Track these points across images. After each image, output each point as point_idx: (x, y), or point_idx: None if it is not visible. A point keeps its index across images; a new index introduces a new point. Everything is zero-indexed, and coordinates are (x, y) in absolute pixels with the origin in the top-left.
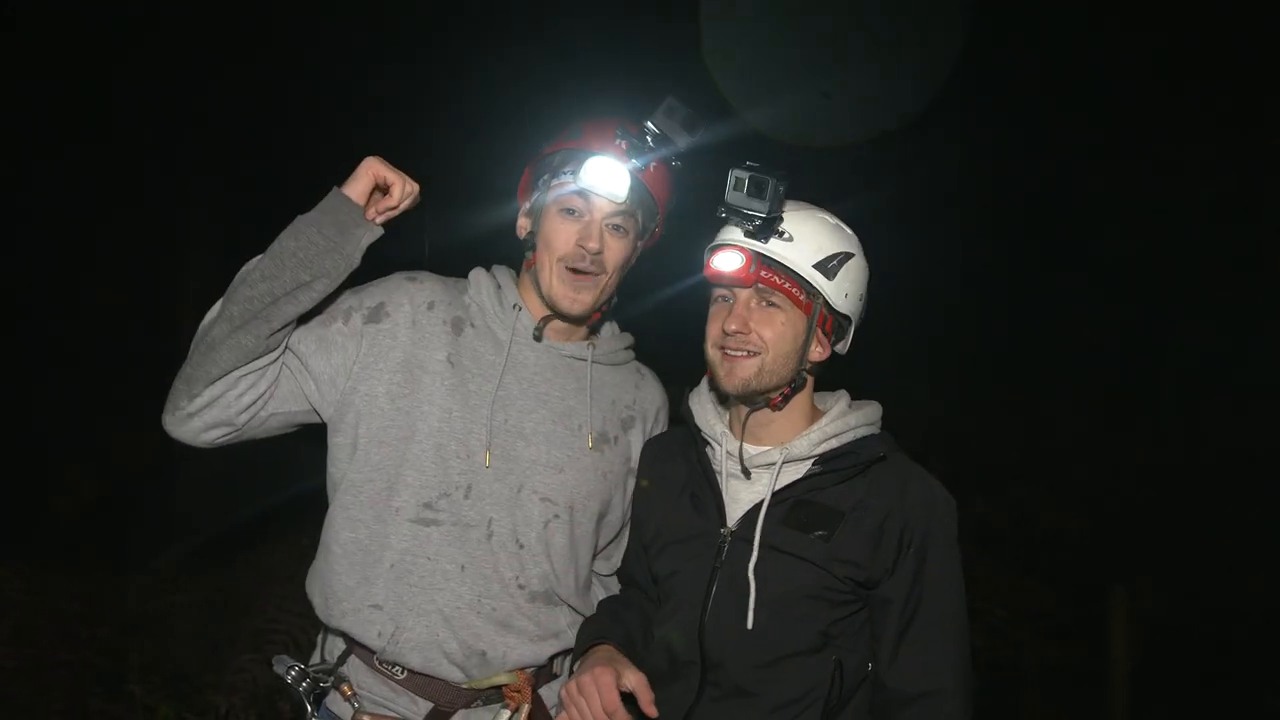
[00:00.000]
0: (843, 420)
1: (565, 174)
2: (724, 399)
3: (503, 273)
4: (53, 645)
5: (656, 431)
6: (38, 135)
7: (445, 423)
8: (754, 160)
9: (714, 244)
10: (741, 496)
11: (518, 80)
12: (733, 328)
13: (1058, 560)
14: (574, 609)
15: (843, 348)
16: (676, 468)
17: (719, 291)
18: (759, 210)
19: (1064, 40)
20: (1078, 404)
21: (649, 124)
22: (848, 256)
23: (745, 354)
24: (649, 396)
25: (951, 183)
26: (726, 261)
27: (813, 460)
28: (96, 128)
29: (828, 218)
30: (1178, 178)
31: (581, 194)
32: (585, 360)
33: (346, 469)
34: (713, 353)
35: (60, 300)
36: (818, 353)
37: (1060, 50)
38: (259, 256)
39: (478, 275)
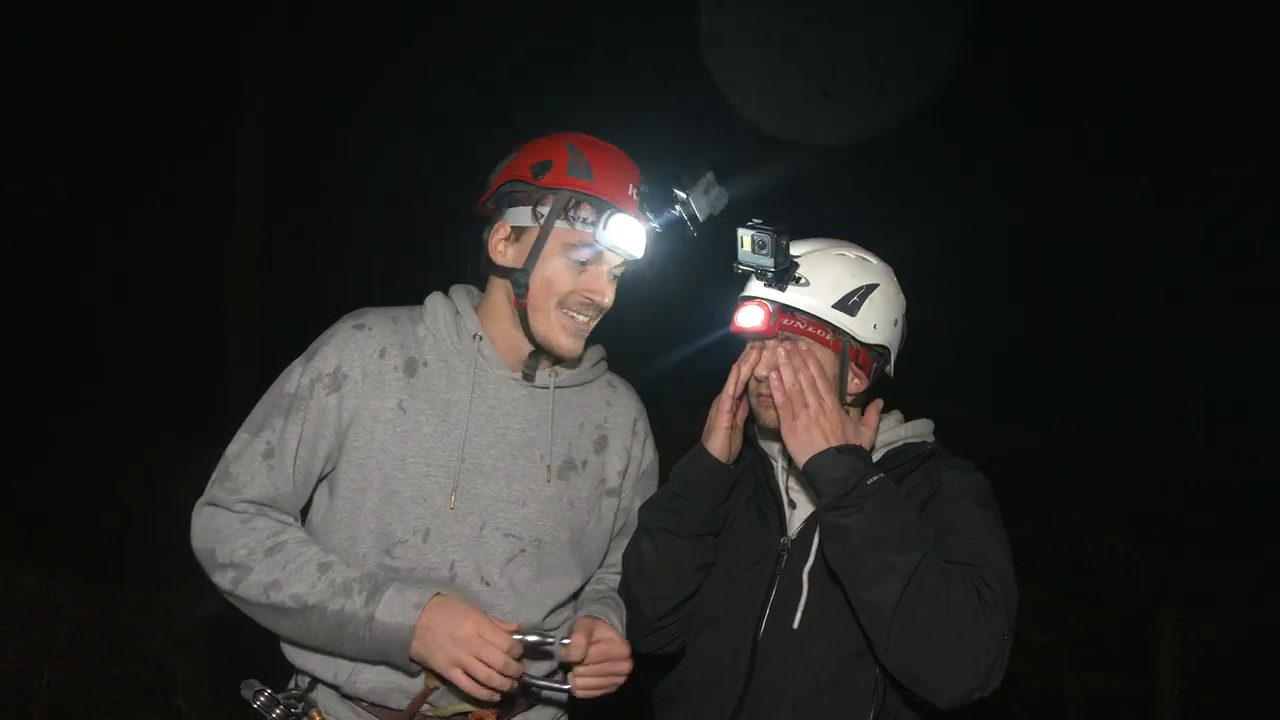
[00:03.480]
0: (893, 432)
1: (584, 224)
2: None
3: (462, 297)
4: (103, 658)
5: (638, 442)
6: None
7: (399, 470)
8: (758, 216)
9: (739, 296)
10: (801, 507)
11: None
12: (762, 374)
13: (1103, 585)
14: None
15: (890, 369)
16: (746, 480)
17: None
18: (767, 266)
19: (1092, 55)
20: (1123, 426)
21: (684, 195)
22: (871, 288)
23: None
24: (622, 410)
25: (991, 203)
26: (748, 317)
27: None
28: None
29: (847, 252)
30: (1222, 194)
31: (598, 250)
32: (548, 388)
33: (320, 520)
34: (750, 400)
35: (109, 316)
36: (855, 384)
37: (1089, 64)
38: (305, 609)
39: (434, 303)
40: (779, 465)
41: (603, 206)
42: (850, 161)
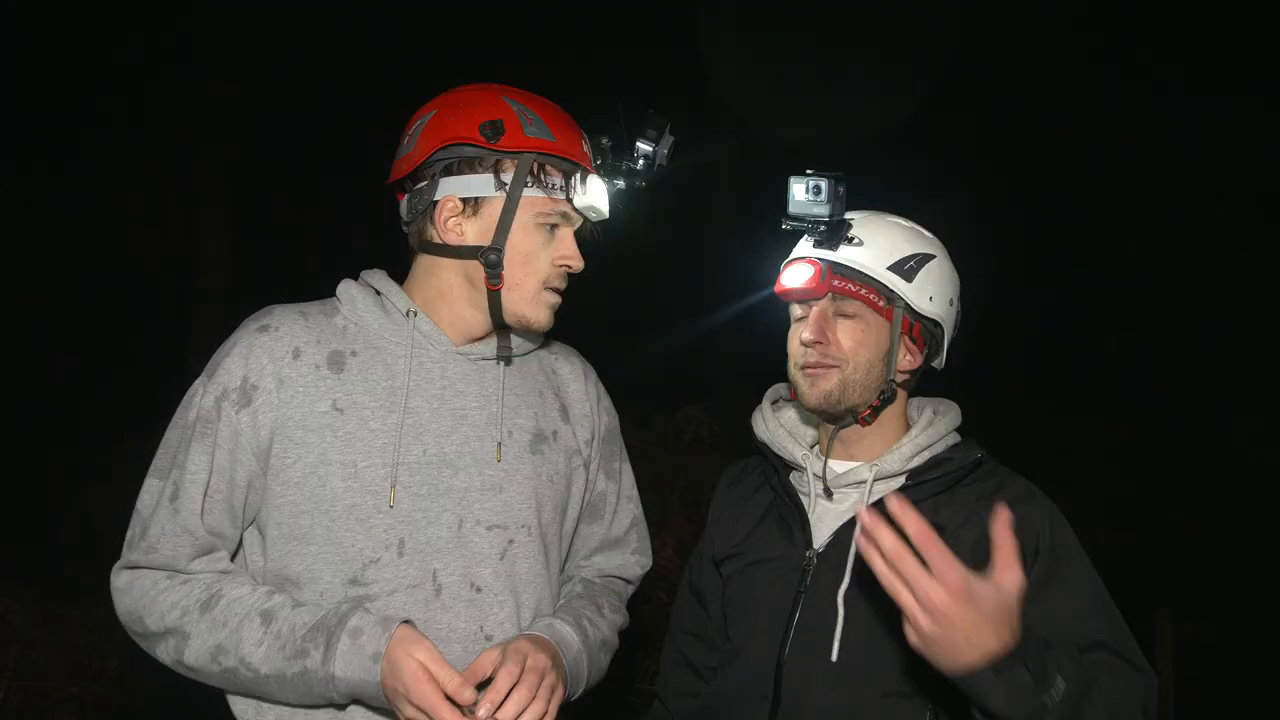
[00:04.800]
0: (933, 429)
1: (555, 190)
2: (808, 417)
3: (379, 278)
4: (60, 678)
5: (595, 404)
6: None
7: (352, 480)
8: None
9: (787, 260)
10: (827, 517)
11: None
12: (809, 337)
13: None
14: None
15: (939, 363)
16: (760, 494)
17: (796, 310)
18: (822, 214)
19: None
20: (1113, 418)
21: (649, 148)
22: (927, 258)
23: (825, 366)
24: (573, 375)
25: (968, 185)
26: (795, 276)
27: (904, 475)
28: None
29: (901, 221)
30: (1208, 185)
31: (568, 214)
32: (500, 359)
33: (261, 561)
34: (794, 372)
35: (63, 316)
36: (908, 361)
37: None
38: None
39: (348, 289)
40: (808, 471)
41: (570, 167)
42: (840, 156)
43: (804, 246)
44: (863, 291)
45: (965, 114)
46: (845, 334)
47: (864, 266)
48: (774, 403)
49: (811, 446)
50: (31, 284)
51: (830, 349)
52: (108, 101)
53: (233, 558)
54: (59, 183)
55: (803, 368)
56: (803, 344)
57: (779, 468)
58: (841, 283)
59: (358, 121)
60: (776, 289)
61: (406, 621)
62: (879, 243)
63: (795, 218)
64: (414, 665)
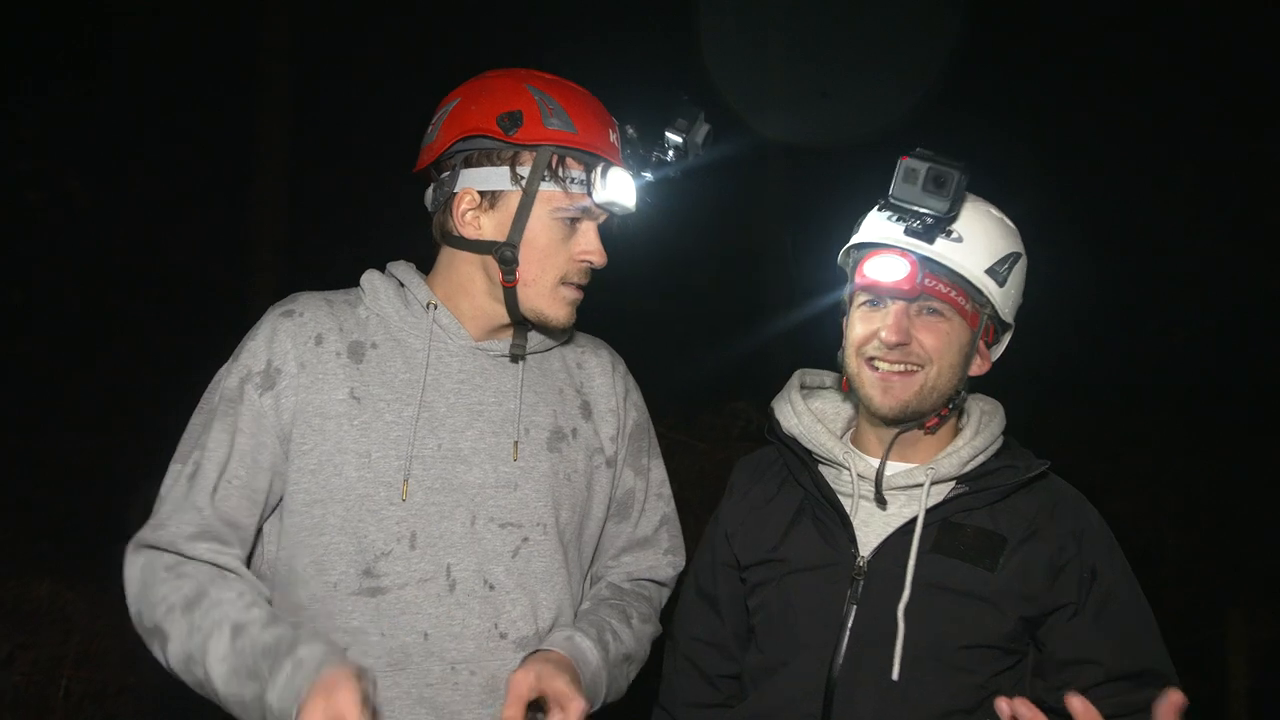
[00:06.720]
0: (988, 431)
1: (575, 184)
2: (841, 406)
3: (403, 269)
4: (119, 669)
5: (621, 399)
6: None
7: (365, 470)
8: (926, 148)
9: (862, 240)
10: (873, 522)
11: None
12: (893, 339)
13: (1156, 580)
14: None
15: (997, 353)
16: (785, 491)
17: (865, 292)
18: (937, 209)
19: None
20: (1170, 414)
21: (680, 139)
22: (1017, 258)
23: (905, 369)
24: (599, 369)
25: (1011, 180)
26: (888, 270)
27: (957, 479)
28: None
29: (992, 210)
30: (1262, 175)
31: (589, 209)
32: (520, 355)
33: (275, 551)
34: (854, 363)
35: (130, 317)
36: (978, 366)
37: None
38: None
39: (371, 280)
40: (853, 471)
41: (591, 161)
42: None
43: (889, 230)
44: (954, 294)
45: (1018, 96)
46: (929, 333)
47: (961, 267)
48: (802, 389)
49: (842, 436)
50: (104, 280)
51: (914, 350)
52: (160, 98)
53: (249, 558)
54: (113, 189)
55: (869, 360)
56: (884, 344)
57: (808, 462)
58: (933, 282)
59: (409, 105)
60: (859, 280)
61: (355, 664)
62: (979, 240)
63: (902, 204)
64: (334, 692)
